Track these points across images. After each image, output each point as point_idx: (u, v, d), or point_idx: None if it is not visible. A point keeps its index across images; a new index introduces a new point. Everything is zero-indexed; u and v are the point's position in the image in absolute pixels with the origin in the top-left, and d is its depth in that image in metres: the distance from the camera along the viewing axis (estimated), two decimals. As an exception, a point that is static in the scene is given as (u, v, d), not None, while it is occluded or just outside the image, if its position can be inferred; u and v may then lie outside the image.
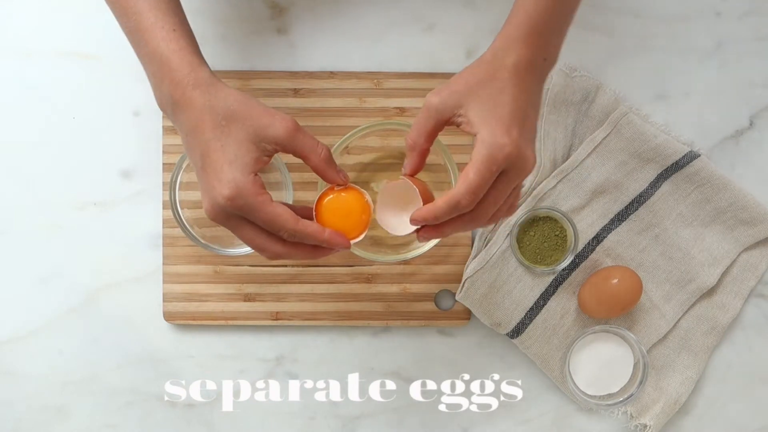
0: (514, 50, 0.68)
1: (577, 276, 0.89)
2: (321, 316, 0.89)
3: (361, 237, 0.73)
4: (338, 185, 0.72)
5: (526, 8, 0.68)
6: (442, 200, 0.66)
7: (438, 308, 0.90)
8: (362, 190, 0.73)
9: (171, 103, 0.69)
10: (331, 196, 0.73)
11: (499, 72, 0.67)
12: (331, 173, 0.71)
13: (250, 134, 0.67)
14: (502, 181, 0.67)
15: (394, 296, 0.89)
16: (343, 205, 0.73)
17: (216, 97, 0.67)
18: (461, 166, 0.87)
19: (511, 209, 0.70)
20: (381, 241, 0.88)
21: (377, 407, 0.91)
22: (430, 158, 0.87)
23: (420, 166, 0.71)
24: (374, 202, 0.74)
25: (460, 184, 0.65)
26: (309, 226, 0.68)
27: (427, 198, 0.72)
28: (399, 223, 0.73)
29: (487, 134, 0.65)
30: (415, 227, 0.70)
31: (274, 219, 0.67)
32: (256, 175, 0.67)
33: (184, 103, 0.68)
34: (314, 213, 0.72)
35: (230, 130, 0.67)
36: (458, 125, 0.68)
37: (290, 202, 0.84)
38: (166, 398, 0.90)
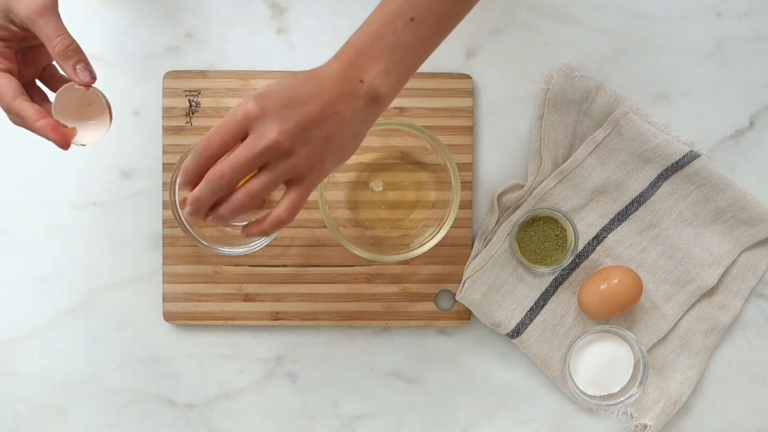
0: (327, 63, 0.66)
1: (577, 276, 0.89)
2: (321, 316, 0.89)
3: (93, 140, 0.71)
4: (77, 84, 0.69)
5: (357, 30, 0.67)
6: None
7: (438, 308, 0.90)
8: (102, 94, 0.71)
9: None
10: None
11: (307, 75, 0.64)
12: (67, 67, 0.68)
13: (1, 3, 0.66)
14: (265, 166, 0.63)
15: (394, 296, 0.89)
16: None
17: None
18: (461, 166, 0.88)
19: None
20: (381, 241, 0.88)
21: (377, 407, 0.91)
22: (431, 158, 0.87)
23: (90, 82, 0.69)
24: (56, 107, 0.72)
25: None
26: (24, 109, 0.66)
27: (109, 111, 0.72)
28: (80, 130, 0.72)
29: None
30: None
31: None
32: None
33: None
34: (53, 106, 0.71)
35: None
36: None
37: None
38: (166, 398, 0.90)
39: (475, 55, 0.90)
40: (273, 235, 0.84)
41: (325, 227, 0.86)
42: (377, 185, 0.89)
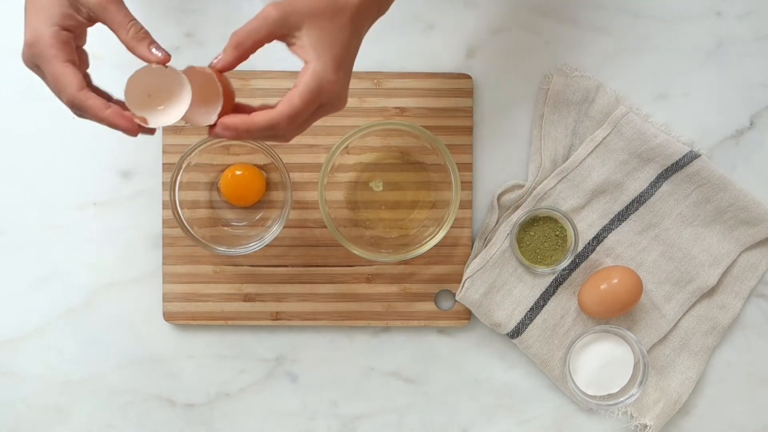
0: None
1: (577, 276, 0.89)
2: (321, 316, 0.89)
3: (170, 120, 0.68)
4: (154, 63, 0.68)
5: None
6: (260, 118, 0.66)
7: (438, 308, 0.90)
8: (181, 73, 0.69)
9: None
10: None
11: (344, 9, 0.67)
12: (141, 50, 0.68)
13: None
14: (317, 113, 0.68)
15: (394, 296, 0.89)
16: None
17: None
18: (461, 166, 0.88)
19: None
20: (381, 241, 0.88)
21: (377, 407, 0.91)
22: (431, 158, 0.87)
23: (234, 65, 0.70)
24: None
25: (284, 107, 0.66)
26: (89, 99, 0.65)
27: (229, 96, 0.70)
28: (195, 113, 0.69)
29: (320, 66, 0.66)
30: (210, 122, 0.68)
31: (57, 78, 0.65)
32: (63, 30, 0.66)
33: None
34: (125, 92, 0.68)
35: None
36: (290, 45, 0.69)
37: (289, 202, 0.84)
38: (166, 398, 0.90)
39: (475, 55, 0.90)
40: (271, 236, 0.84)
41: (325, 227, 0.86)
42: (377, 185, 0.89)
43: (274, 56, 0.90)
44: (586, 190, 0.89)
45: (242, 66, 0.89)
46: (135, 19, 0.67)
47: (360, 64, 0.90)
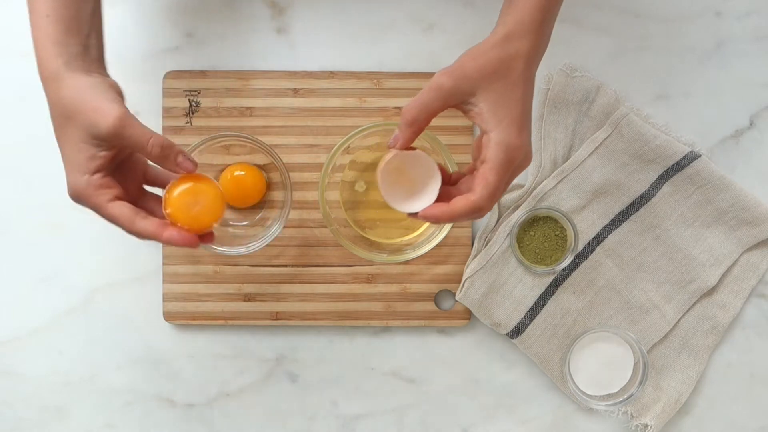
0: (528, 39, 0.66)
1: (577, 276, 0.89)
2: (321, 316, 0.89)
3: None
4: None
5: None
6: (463, 206, 0.66)
7: (438, 308, 0.90)
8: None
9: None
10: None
11: (514, 62, 0.66)
12: (169, 164, 0.69)
13: (82, 134, 0.66)
14: (510, 179, 0.67)
15: (394, 296, 0.89)
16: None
17: (58, 94, 0.67)
18: (461, 166, 0.88)
19: None
20: (381, 241, 0.88)
21: (377, 407, 0.91)
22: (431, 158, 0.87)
23: (412, 141, 0.70)
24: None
25: (483, 190, 0.65)
26: (146, 228, 0.67)
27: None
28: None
29: (504, 135, 0.65)
30: (417, 209, 0.69)
31: (113, 220, 0.67)
32: (94, 174, 0.67)
33: (45, 96, 0.69)
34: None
35: (66, 130, 0.67)
36: (466, 112, 0.67)
37: (289, 202, 0.84)
38: (166, 398, 0.90)
39: (475, 55, 0.90)
40: (271, 236, 0.84)
41: (325, 227, 0.86)
42: (360, 186, 0.89)
43: (274, 56, 0.90)
44: (587, 190, 0.89)
45: (242, 66, 0.90)
46: (153, 133, 0.68)
47: (360, 64, 0.90)
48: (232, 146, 0.88)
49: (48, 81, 0.68)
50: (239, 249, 0.85)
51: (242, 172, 0.87)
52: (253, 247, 0.85)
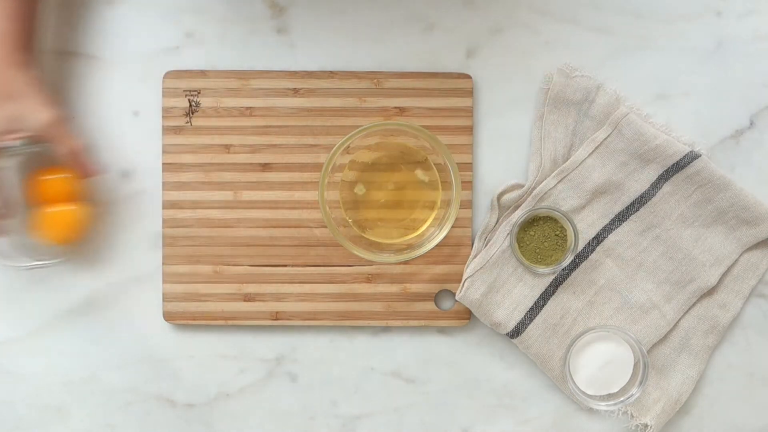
0: None
1: (577, 276, 0.89)
2: (321, 316, 0.89)
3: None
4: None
5: None
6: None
7: (438, 308, 0.90)
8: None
9: None
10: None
11: None
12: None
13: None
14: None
15: (394, 296, 0.89)
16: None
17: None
18: (461, 166, 0.88)
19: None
20: (381, 241, 0.88)
21: (377, 407, 0.91)
22: (431, 158, 0.87)
23: None
24: None
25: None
26: None
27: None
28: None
29: None
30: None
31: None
32: None
33: None
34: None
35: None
36: None
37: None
38: (166, 398, 0.90)
39: (475, 55, 0.90)
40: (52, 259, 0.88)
41: (325, 227, 0.86)
42: (360, 189, 0.89)
43: (274, 56, 0.90)
44: (587, 190, 0.89)
45: (242, 66, 0.90)
46: (72, 138, 0.84)
47: (360, 64, 0.90)
48: (232, 146, 0.88)
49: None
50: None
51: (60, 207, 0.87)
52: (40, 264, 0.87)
